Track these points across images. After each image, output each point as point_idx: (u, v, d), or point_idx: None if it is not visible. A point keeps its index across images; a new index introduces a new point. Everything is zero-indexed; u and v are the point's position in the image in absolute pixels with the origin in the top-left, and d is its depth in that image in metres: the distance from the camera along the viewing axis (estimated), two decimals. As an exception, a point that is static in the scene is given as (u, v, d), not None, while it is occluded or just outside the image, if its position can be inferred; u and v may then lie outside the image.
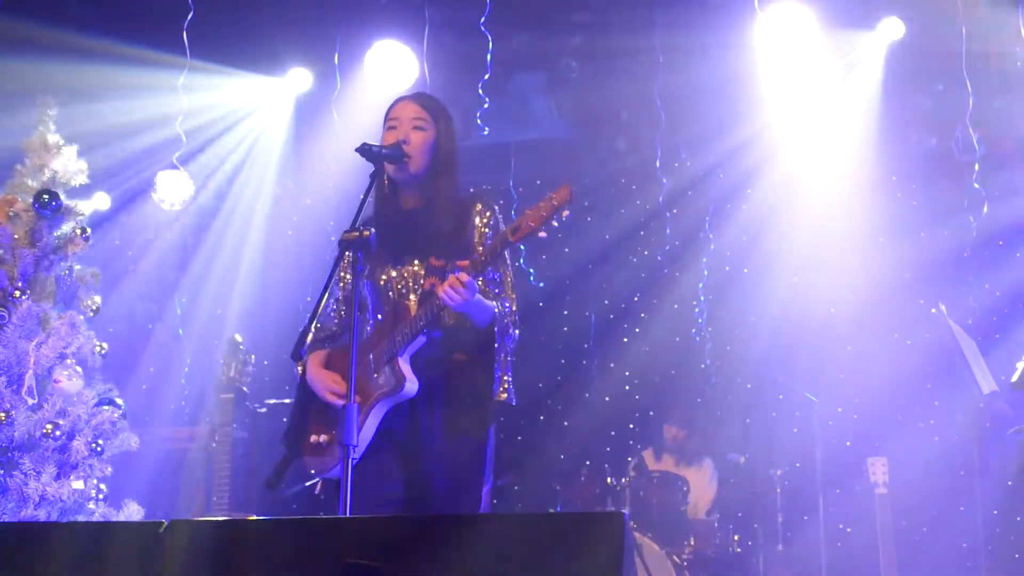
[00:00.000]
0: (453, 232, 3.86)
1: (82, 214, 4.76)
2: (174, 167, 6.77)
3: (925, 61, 6.97)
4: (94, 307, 4.74)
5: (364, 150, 3.74)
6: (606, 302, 8.11)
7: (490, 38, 6.45)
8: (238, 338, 6.48)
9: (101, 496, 4.51)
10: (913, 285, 7.19)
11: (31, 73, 6.11)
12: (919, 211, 7.47)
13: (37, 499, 4.27)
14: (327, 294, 3.63)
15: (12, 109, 5.60)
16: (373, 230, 3.48)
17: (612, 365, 8.05)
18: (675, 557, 6.15)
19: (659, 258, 7.78)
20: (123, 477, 4.77)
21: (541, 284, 7.89)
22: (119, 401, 4.68)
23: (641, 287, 8.01)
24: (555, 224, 3.55)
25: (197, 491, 6.47)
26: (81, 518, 4.38)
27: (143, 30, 6.38)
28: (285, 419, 4.02)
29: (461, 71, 6.85)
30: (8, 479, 4.27)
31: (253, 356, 6.49)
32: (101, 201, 6.04)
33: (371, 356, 3.77)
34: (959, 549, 6.87)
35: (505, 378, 3.77)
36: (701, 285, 7.77)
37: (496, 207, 3.96)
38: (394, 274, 3.86)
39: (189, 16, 6.16)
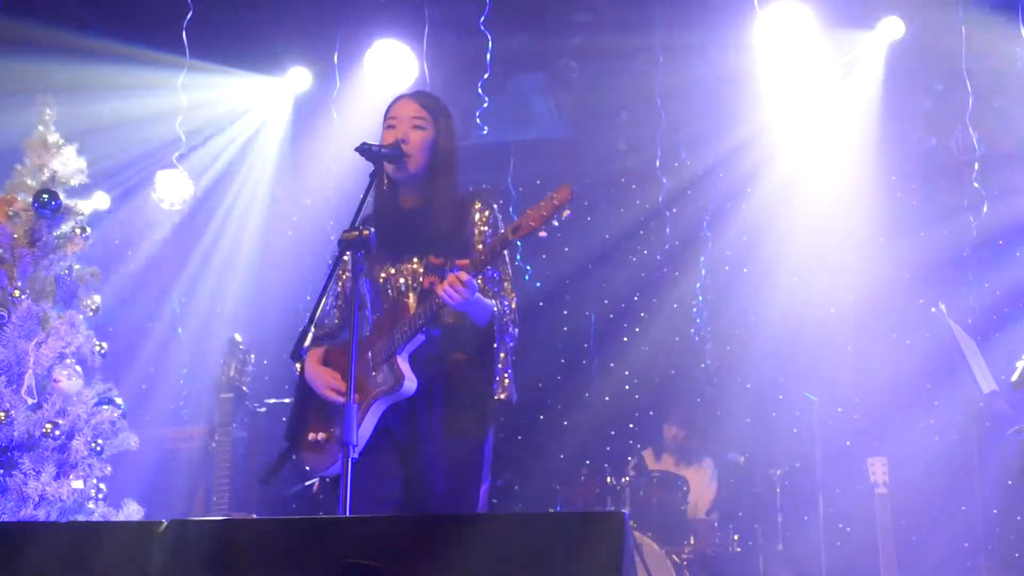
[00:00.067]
0: (452, 230, 3.85)
1: (82, 213, 4.75)
2: (173, 166, 6.78)
3: (925, 61, 6.96)
4: (94, 306, 4.73)
5: (363, 149, 3.73)
6: (606, 302, 8.11)
7: (490, 37, 6.44)
8: (238, 337, 6.49)
9: (101, 496, 4.50)
10: (913, 285, 7.20)
11: (31, 73, 6.12)
12: (919, 211, 7.47)
13: (37, 499, 4.26)
14: (326, 293, 3.62)
15: (12, 109, 5.59)
16: (373, 230, 3.47)
17: (612, 365, 8.05)
18: (675, 557, 6.15)
19: (659, 258, 7.79)
20: (123, 477, 4.76)
21: (538, 284, 7.90)
22: (119, 401, 4.67)
23: (641, 287, 8.01)
24: (555, 223, 3.55)
25: (197, 491, 6.47)
26: (81, 518, 4.37)
27: (143, 30, 6.38)
28: (285, 419, 4.01)
29: (461, 70, 6.84)
30: (8, 479, 4.25)
31: (253, 356, 6.50)
32: (101, 200, 6.03)
33: (369, 354, 3.76)
34: (959, 549, 6.87)
35: (505, 376, 3.76)
36: (700, 285, 7.77)
37: (495, 205, 3.95)
38: (393, 272, 3.86)
39: (188, 16, 6.16)
